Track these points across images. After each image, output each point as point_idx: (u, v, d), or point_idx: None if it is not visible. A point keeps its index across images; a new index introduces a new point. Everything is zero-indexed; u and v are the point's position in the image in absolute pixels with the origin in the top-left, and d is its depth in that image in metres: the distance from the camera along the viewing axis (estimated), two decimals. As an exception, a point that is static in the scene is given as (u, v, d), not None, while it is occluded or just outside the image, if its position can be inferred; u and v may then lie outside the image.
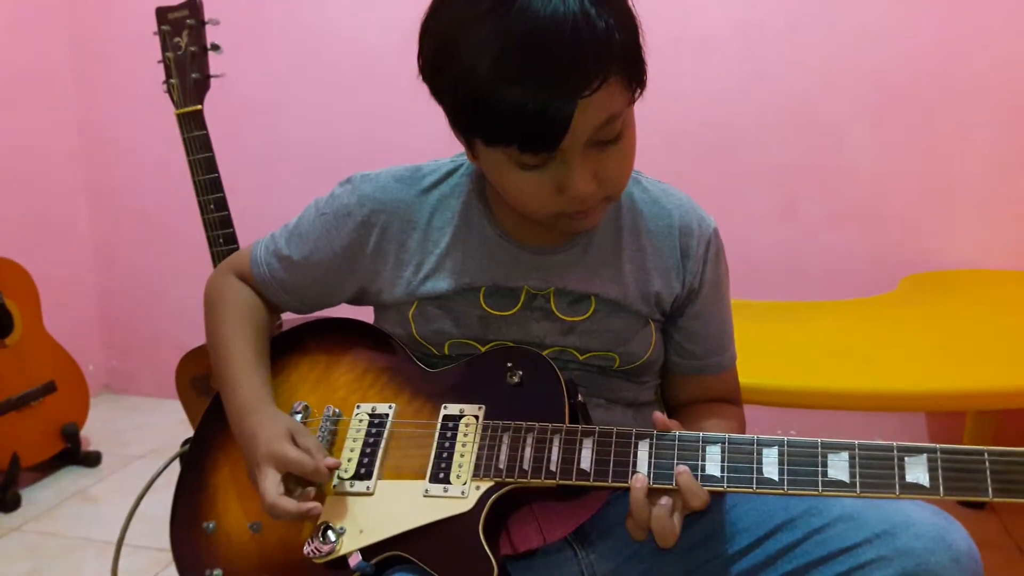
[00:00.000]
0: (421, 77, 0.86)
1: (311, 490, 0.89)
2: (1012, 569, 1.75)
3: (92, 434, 2.49)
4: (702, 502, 0.79)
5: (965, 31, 2.05)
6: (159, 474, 1.41)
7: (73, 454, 2.32)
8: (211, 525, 0.96)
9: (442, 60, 0.81)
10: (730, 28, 2.20)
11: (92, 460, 2.34)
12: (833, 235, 2.21)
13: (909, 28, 2.08)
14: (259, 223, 1.57)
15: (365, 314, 1.06)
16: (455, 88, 0.80)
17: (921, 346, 1.57)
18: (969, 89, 2.07)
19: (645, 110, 0.88)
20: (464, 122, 0.82)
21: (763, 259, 2.24)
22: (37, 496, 2.17)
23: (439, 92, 0.84)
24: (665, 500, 0.80)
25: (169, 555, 0.97)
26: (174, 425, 2.54)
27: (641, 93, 0.83)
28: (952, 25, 2.06)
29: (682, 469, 0.79)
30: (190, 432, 1.71)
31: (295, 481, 0.89)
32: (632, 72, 0.80)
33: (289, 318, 1.13)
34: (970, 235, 2.13)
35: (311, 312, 1.08)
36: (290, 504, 0.85)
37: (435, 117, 0.90)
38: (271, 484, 0.87)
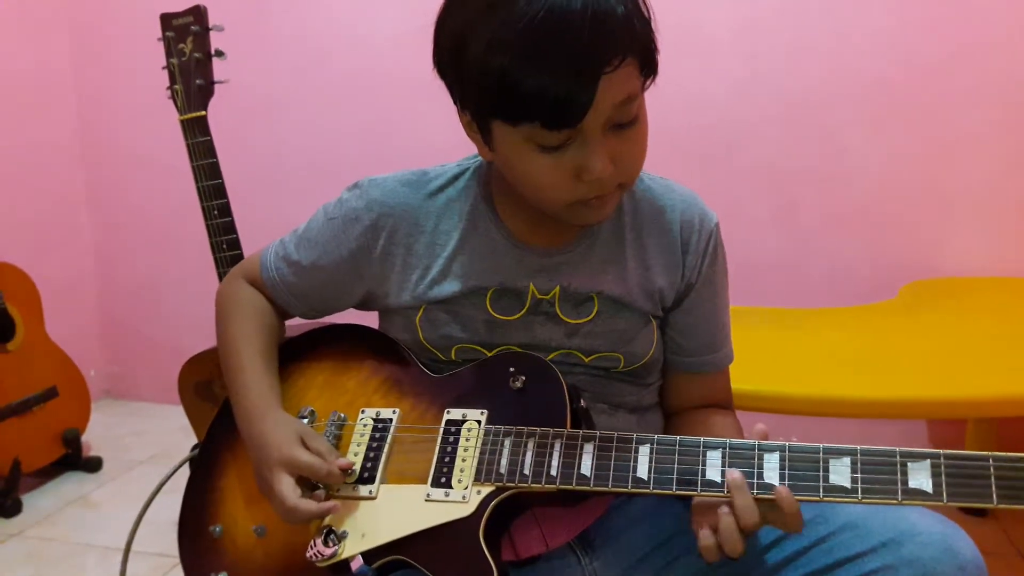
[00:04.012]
0: (437, 71, 0.87)
1: (321, 492, 0.89)
2: (1014, 577, 1.75)
3: (93, 439, 2.49)
4: (798, 519, 0.77)
5: (967, 36, 2.06)
6: (167, 479, 1.41)
7: (74, 459, 2.32)
8: (218, 529, 0.96)
9: (463, 46, 0.82)
10: (731, 32, 2.20)
11: (93, 465, 2.34)
12: (833, 241, 2.22)
13: (911, 32, 2.09)
14: (263, 229, 1.58)
15: (371, 320, 1.07)
16: (478, 71, 0.80)
17: (922, 353, 1.57)
18: (970, 95, 2.08)
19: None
20: (487, 105, 0.83)
21: (763, 265, 2.24)
22: (38, 502, 2.17)
23: (459, 80, 0.85)
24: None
25: (172, 560, 0.97)
26: (175, 430, 2.55)
27: (653, 81, 0.85)
28: (954, 30, 2.06)
29: (782, 489, 0.76)
30: (192, 438, 1.72)
31: (305, 484, 0.89)
32: (646, 59, 0.83)
33: (295, 324, 1.13)
34: (971, 242, 2.13)
35: (320, 317, 1.08)
36: (312, 505, 0.86)
37: (440, 121, 0.91)
38: (288, 489, 0.87)
